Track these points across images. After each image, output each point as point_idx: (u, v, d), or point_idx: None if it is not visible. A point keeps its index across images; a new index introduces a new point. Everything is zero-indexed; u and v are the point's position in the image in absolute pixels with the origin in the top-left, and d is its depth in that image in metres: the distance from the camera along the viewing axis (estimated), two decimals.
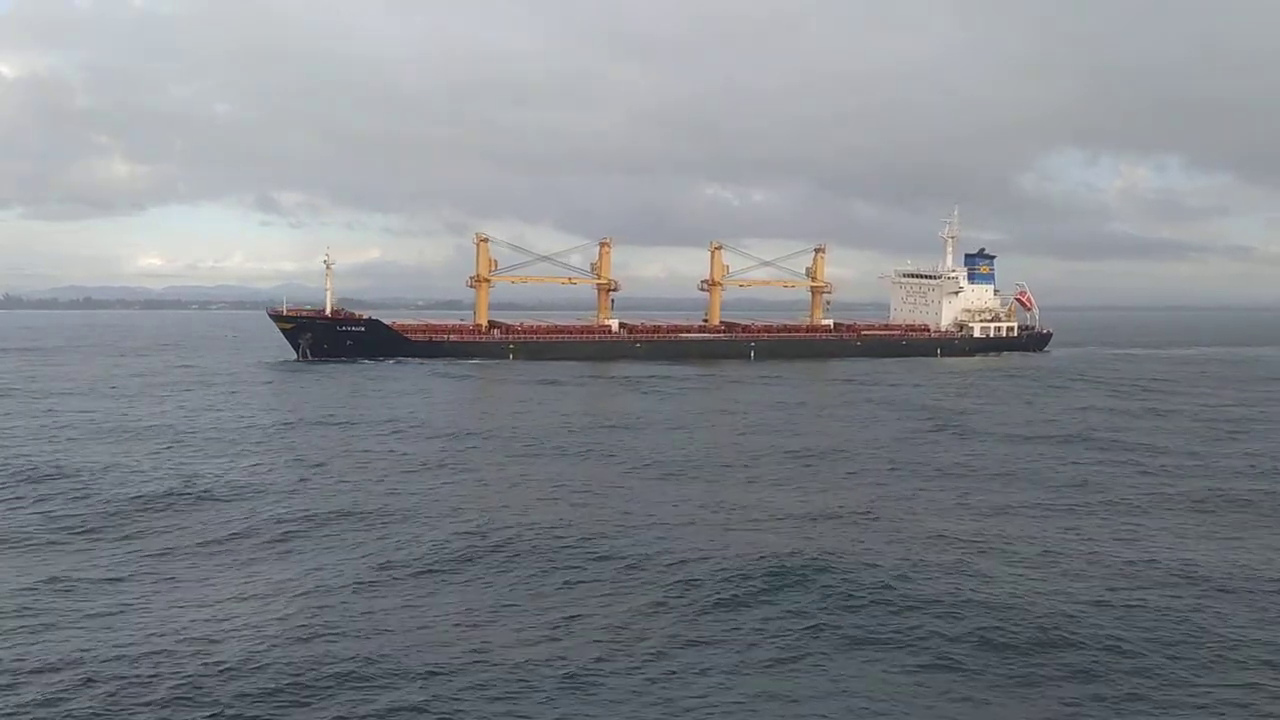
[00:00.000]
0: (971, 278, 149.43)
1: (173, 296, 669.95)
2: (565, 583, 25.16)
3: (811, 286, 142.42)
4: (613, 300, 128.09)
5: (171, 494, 35.24)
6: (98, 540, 29.37)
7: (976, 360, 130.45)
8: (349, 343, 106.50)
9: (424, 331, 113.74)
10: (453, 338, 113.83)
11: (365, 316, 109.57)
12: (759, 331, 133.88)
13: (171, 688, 18.39)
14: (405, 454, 45.47)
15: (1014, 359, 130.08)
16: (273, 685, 18.54)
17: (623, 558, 27.10)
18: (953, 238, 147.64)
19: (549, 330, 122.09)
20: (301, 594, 23.99)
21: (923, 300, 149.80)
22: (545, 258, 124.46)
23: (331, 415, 59.49)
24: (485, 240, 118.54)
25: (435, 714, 17.64)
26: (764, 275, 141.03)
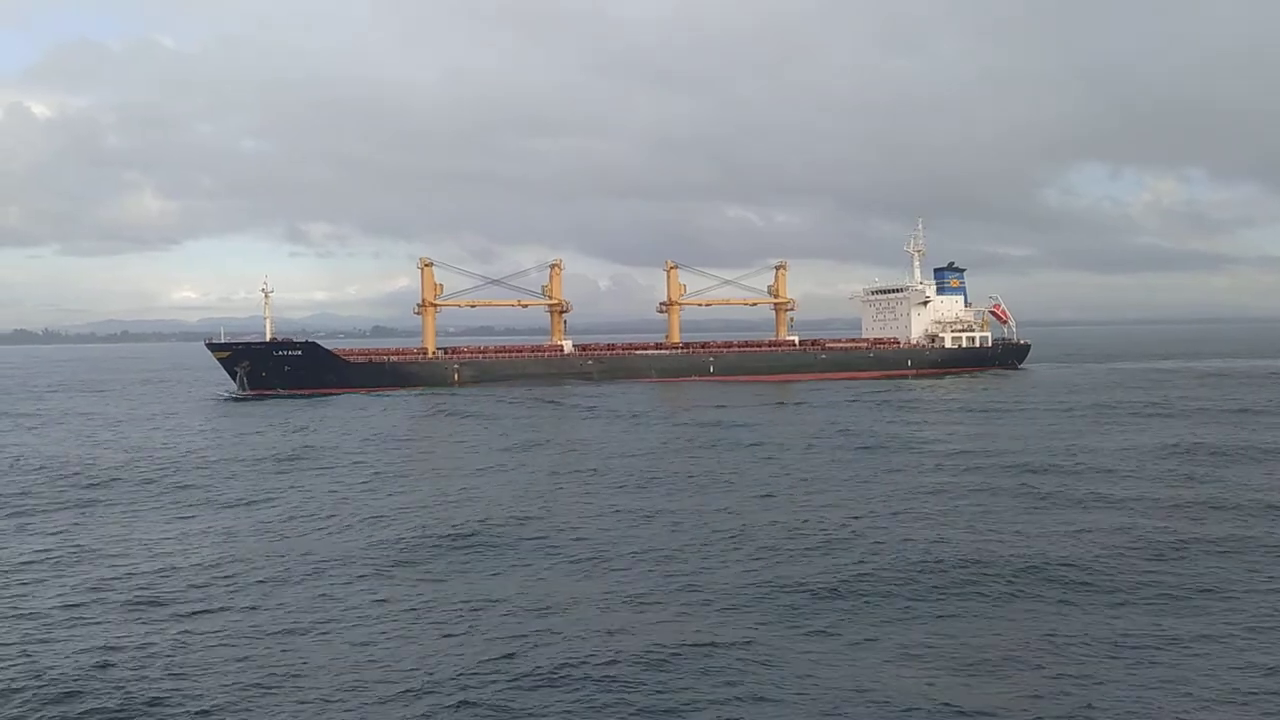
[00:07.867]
0: (941, 291, 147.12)
1: (207, 328, 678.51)
2: None
3: (775, 304, 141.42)
4: (565, 322, 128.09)
5: None
6: None
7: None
8: (287, 368, 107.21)
9: (363, 355, 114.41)
10: (394, 359, 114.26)
11: (303, 340, 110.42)
12: (718, 347, 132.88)
13: None
14: None
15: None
16: None
17: None
18: (918, 251, 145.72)
19: (496, 350, 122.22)
20: None
21: (891, 315, 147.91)
22: (496, 281, 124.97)
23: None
24: (429, 265, 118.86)
25: None
26: (725, 294, 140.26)
